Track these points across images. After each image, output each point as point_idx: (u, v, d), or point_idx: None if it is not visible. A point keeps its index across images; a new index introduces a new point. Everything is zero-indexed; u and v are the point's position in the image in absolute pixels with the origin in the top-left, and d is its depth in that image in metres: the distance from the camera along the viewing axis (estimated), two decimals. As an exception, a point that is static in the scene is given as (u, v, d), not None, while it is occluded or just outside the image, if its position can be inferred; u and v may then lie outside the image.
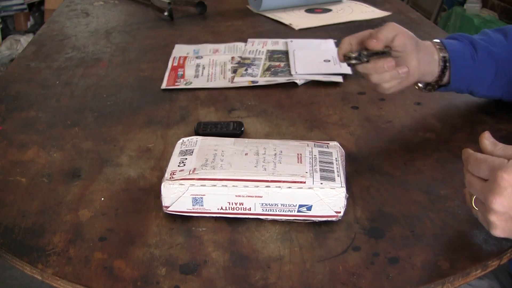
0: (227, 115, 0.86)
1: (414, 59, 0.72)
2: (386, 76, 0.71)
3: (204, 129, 0.79)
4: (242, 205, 0.61)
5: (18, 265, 0.57)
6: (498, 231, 0.53)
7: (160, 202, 0.61)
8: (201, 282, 0.53)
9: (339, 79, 0.96)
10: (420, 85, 0.80)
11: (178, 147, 0.67)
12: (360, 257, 0.56)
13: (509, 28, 0.80)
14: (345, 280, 0.53)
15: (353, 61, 0.71)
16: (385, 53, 0.71)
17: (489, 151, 0.56)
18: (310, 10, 1.39)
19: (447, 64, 0.76)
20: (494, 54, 0.77)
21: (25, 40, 3.08)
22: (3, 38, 3.15)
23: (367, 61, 0.71)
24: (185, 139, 0.68)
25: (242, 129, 0.79)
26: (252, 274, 0.54)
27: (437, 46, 0.76)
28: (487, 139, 0.57)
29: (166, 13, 1.32)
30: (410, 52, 0.72)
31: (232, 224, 0.61)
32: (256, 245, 0.58)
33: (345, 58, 0.72)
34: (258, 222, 0.61)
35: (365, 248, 0.57)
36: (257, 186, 0.60)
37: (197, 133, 0.78)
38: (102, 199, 0.65)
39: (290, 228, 0.60)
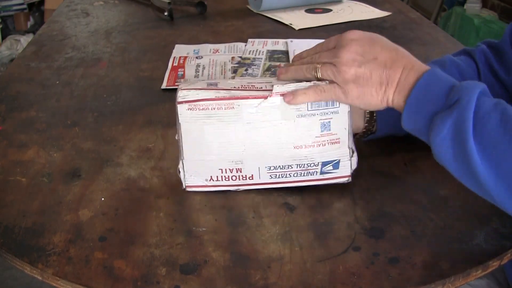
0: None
1: None
2: None
3: None
4: (240, 171, 0.63)
5: (18, 265, 0.57)
6: (350, 86, 0.58)
7: (160, 202, 0.61)
8: (201, 282, 0.53)
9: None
10: None
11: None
12: (360, 257, 0.56)
13: (447, 58, 0.77)
14: (345, 280, 0.53)
15: None
16: None
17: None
18: (310, 10, 1.39)
19: (374, 115, 0.71)
20: None
21: (25, 40, 3.07)
22: (3, 38, 3.15)
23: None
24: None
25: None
26: (253, 274, 0.54)
27: None
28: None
29: (166, 13, 1.32)
30: None
31: (232, 224, 0.61)
32: (256, 245, 0.58)
33: None
34: (258, 222, 0.61)
35: (365, 248, 0.57)
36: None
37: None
38: (102, 199, 0.65)
39: (290, 228, 0.60)
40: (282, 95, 0.61)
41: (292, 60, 0.67)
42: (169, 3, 1.33)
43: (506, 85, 0.73)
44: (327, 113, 0.63)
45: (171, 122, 0.76)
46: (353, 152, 0.64)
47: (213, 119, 0.63)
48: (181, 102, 0.62)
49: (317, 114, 0.63)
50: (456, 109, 0.53)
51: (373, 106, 0.60)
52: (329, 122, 0.63)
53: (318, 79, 0.61)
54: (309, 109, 0.62)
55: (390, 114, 0.67)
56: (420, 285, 0.53)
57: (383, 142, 0.77)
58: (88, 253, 0.57)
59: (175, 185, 0.67)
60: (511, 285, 0.80)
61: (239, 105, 0.62)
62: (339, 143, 0.64)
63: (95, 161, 0.73)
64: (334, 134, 0.64)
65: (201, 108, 0.62)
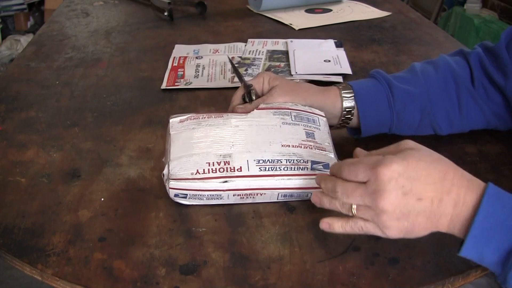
0: (227, 115, 0.86)
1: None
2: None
3: None
4: (228, 164, 0.62)
5: (18, 266, 0.57)
6: (394, 232, 0.51)
7: (160, 202, 0.61)
8: (201, 283, 0.53)
9: (339, 79, 0.96)
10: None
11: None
12: (360, 257, 0.56)
13: (441, 58, 0.76)
14: (345, 280, 0.53)
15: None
16: None
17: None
18: (310, 10, 1.39)
19: (351, 114, 0.72)
20: (416, 96, 0.72)
21: (25, 40, 3.07)
22: (3, 38, 3.15)
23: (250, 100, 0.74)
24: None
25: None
26: (252, 274, 0.54)
27: (343, 95, 0.72)
28: (359, 152, 0.58)
29: (166, 13, 1.32)
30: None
31: (232, 224, 0.61)
32: (256, 245, 0.58)
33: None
34: (258, 223, 0.61)
35: (365, 248, 0.57)
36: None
37: None
38: (102, 199, 0.65)
39: (290, 228, 0.60)
40: (267, 109, 0.70)
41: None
42: (169, 3, 1.33)
43: (502, 90, 0.72)
44: (310, 126, 0.68)
45: (171, 122, 0.77)
46: None
47: (202, 125, 0.67)
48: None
49: (301, 124, 0.68)
50: None
51: (422, 236, 0.53)
52: (313, 133, 0.68)
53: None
54: (292, 120, 0.68)
55: (373, 116, 0.72)
56: (420, 285, 0.53)
57: (383, 141, 0.77)
58: (87, 253, 0.57)
59: (174, 185, 0.66)
60: None
61: (227, 115, 0.69)
62: (325, 150, 0.66)
63: (95, 162, 0.73)
64: (319, 144, 0.66)
65: (193, 118, 0.68)
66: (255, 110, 0.70)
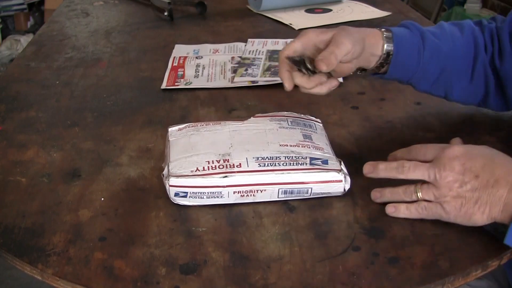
0: (227, 115, 0.86)
1: (354, 62, 0.70)
2: (323, 90, 0.70)
3: None
4: (228, 161, 0.63)
5: (18, 265, 0.57)
6: (453, 208, 0.57)
7: (160, 202, 0.61)
8: (201, 282, 0.53)
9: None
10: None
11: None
12: (360, 257, 0.56)
13: (466, 23, 0.78)
14: (345, 280, 0.53)
15: (296, 68, 0.69)
16: None
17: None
18: (310, 10, 1.39)
19: (389, 58, 0.72)
20: (442, 53, 0.74)
21: (25, 40, 3.07)
22: (3, 38, 3.15)
23: (312, 73, 0.68)
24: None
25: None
26: (252, 274, 0.54)
27: (384, 38, 0.72)
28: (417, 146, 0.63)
29: (166, 13, 1.32)
30: (352, 56, 0.69)
31: (232, 224, 0.61)
32: (256, 245, 0.58)
33: (290, 60, 0.69)
34: (258, 222, 0.61)
35: (365, 248, 0.57)
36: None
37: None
38: (102, 199, 0.65)
39: (290, 228, 0.60)
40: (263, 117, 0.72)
41: (388, 158, 0.66)
42: (169, 3, 1.33)
43: (498, 72, 0.74)
44: (306, 130, 0.70)
45: (171, 122, 0.77)
46: (345, 176, 0.63)
47: (201, 131, 0.69)
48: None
49: (298, 128, 0.70)
50: None
51: (478, 224, 0.57)
52: (310, 135, 0.69)
53: (419, 199, 0.60)
54: (289, 125, 0.70)
55: (407, 65, 0.73)
56: (420, 285, 0.53)
57: (383, 142, 0.77)
58: (88, 253, 0.57)
59: (175, 185, 0.67)
60: (512, 286, 0.80)
61: (225, 123, 0.71)
62: (323, 149, 0.66)
63: (95, 161, 0.73)
64: (317, 144, 0.67)
65: (191, 126, 0.70)
66: (251, 117, 0.72)
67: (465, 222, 0.58)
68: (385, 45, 0.72)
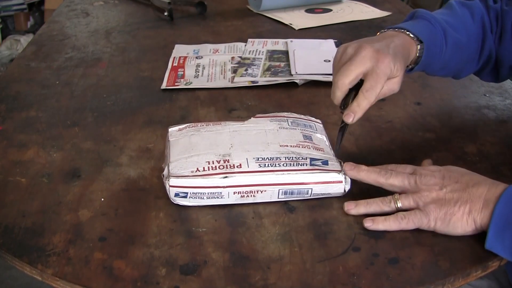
0: (227, 115, 0.86)
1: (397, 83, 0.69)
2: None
3: None
4: (228, 162, 0.63)
5: (18, 265, 0.57)
6: (434, 211, 0.57)
7: (160, 202, 0.61)
8: (201, 283, 0.53)
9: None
10: None
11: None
12: (360, 257, 0.56)
13: (475, 4, 0.79)
14: (345, 280, 0.53)
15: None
16: None
17: None
18: (310, 10, 1.39)
19: (420, 59, 0.72)
20: (461, 46, 0.76)
21: (25, 40, 3.07)
22: (3, 38, 3.15)
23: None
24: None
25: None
26: (252, 274, 0.54)
27: (418, 50, 0.71)
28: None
29: (166, 13, 1.32)
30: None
31: (232, 224, 0.61)
32: (256, 245, 0.58)
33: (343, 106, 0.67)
34: (258, 223, 0.61)
35: (365, 248, 0.57)
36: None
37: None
38: (102, 199, 0.65)
39: (290, 228, 0.60)
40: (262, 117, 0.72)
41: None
42: (169, 3, 1.33)
43: (494, 51, 0.77)
44: (306, 130, 0.70)
45: (171, 122, 0.77)
46: (345, 177, 0.63)
47: (201, 131, 0.69)
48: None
49: (298, 129, 0.70)
50: None
51: (460, 229, 0.57)
52: (310, 136, 0.69)
53: (398, 210, 0.60)
54: (289, 125, 0.70)
55: (429, 62, 0.73)
56: (420, 286, 0.53)
57: (383, 142, 0.77)
58: (87, 253, 0.57)
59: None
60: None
61: (225, 123, 0.71)
62: (323, 150, 0.67)
63: (95, 161, 0.73)
64: (317, 145, 0.67)
65: (191, 126, 0.70)
66: (251, 118, 0.72)
67: (445, 227, 0.57)
68: (417, 54, 0.71)
